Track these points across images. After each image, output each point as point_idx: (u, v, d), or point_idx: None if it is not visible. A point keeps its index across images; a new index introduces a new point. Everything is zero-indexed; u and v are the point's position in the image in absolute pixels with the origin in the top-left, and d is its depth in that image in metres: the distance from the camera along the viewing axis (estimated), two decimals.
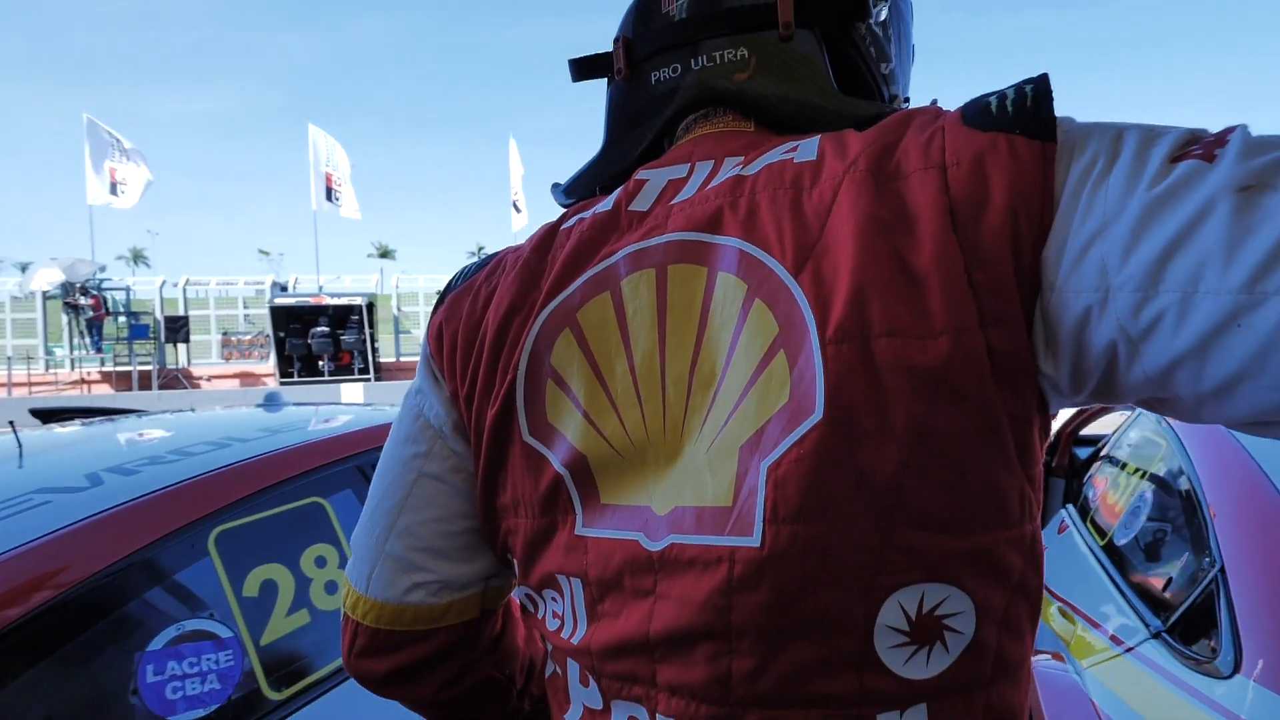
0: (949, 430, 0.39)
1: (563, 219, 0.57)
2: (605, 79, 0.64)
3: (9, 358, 14.33)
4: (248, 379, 15.38)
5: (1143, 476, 1.67)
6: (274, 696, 1.04)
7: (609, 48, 0.62)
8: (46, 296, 15.30)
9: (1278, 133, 0.36)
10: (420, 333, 17.18)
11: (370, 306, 15.10)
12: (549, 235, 0.56)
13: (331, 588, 1.20)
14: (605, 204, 0.54)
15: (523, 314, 0.52)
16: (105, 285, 15.41)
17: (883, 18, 0.60)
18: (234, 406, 1.96)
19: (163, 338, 14.79)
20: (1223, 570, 1.13)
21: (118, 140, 14.49)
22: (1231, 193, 0.33)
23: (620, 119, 0.61)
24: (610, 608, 0.48)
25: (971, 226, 0.39)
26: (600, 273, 0.51)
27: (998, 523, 0.41)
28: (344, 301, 15.03)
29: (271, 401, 1.92)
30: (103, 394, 13.57)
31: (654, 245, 0.49)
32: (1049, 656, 1.46)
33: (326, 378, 14.32)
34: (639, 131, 0.59)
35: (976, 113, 0.42)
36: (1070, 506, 2.04)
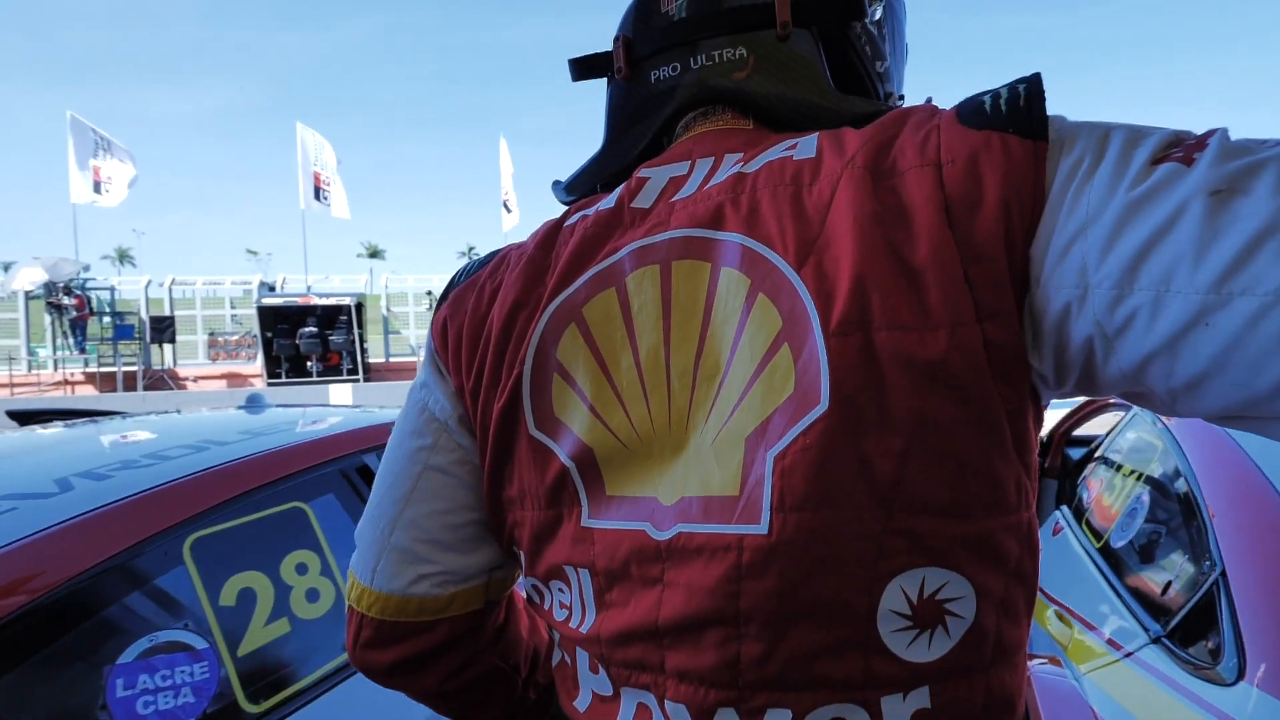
0: (948, 420, 0.41)
1: (565, 216, 0.58)
2: (604, 78, 0.65)
3: None
4: (235, 380, 15.24)
5: (1139, 478, 1.65)
6: (252, 709, 1.00)
7: (601, 48, 0.64)
8: (29, 296, 15.10)
9: (1266, 136, 0.37)
10: (410, 333, 17.14)
11: (359, 307, 14.99)
12: (553, 232, 0.57)
13: (313, 595, 1.16)
14: (608, 201, 0.55)
15: (528, 309, 0.53)
16: (89, 285, 15.21)
17: (877, 17, 0.61)
18: (220, 408, 1.92)
19: (148, 338, 14.63)
20: (1224, 574, 1.11)
21: (103, 137, 14.32)
22: (1204, 196, 0.35)
23: (620, 117, 0.62)
24: (618, 597, 0.49)
25: (966, 223, 0.41)
26: (605, 269, 0.52)
27: (996, 509, 0.42)
28: (332, 302, 14.91)
29: (253, 403, 1.88)
30: (87, 395, 13.39)
31: (658, 242, 0.50)
32: (1046, 661, 1.44)
33: (315, 378, 14.21)
34: (639, 129, 0.60)
35: (971, 111, 0.43)
36: (1065, 508, 2.03)
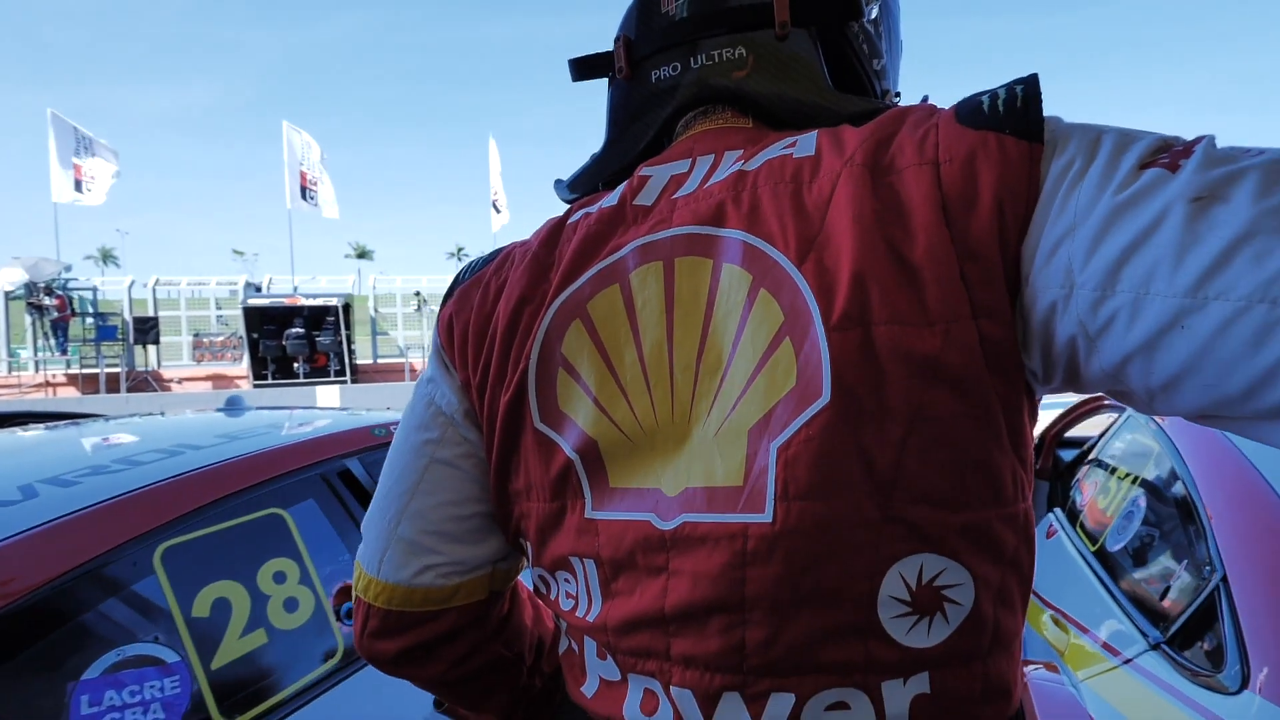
0: (945, 413, 0.42)
1: (568, 214, 0.59)
2: (603, 78, 0.66)
3: None
4: (220, 381, 15.06)
5: (1134, 481, 1.64)
6: None
7: (591, 47, 0.66)
8: (9, 297, 14.83)
9: (1255, 144, 0.38)
10: (398, 335, 17.01)
11: (347, 307, 14.85)
12: (556, 229, 0.58)
13: (291, 605, 1.12)
14: (610, 199, 0.56)
15: (533, 305, 0.54)
16: (71, 285, 14.98)
17: (874, 15, 0.62)
18: (205, 410, 1.87)
19: (131, 339, 14.43)
20: (1224, 579, 1.10)
21: (85, 135, 14.12)
22: (1186, 202, 0.36)
23: (621, 116, 0.63)
24: (624, 586, 0.50)
25: (962, 221, 0.41)
26: (609, 266, 0.53)
27: (992, 500, 0.43)
28: (320, 302, 14.73)
29: (233, 405, 1.83)
30: (69, 397, 13.19)
31: (661, 239, 0.51)
32: (1042, 667, 1.42)
33: (301, 380, 14.07)
34: (639, 128, 0.62)
35: (969, 111, 0.44)
36: (1058, 510, 2.01)
